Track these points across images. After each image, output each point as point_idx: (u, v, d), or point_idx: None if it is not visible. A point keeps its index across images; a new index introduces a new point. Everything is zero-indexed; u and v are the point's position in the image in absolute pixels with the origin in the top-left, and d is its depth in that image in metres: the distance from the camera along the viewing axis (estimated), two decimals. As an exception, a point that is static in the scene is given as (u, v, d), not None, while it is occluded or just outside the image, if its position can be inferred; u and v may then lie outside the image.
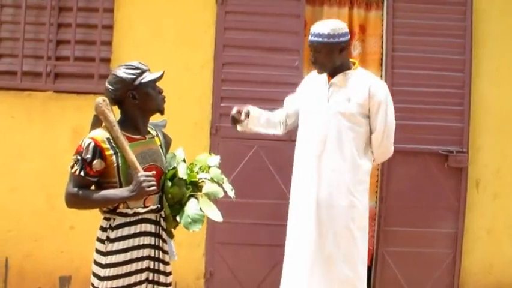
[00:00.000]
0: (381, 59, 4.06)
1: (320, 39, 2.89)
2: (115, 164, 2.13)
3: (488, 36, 4.01)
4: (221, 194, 2.27)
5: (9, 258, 3.87)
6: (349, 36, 3.00)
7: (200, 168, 2.31)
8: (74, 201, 2.13)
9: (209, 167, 2.33)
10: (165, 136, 2.42)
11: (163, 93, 2.29)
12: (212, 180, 2.28)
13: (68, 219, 3.81)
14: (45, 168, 3.87)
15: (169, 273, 2.29)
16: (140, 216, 2.18)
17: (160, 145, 2.33)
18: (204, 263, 3.91)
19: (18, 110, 3.92)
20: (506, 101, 4.03)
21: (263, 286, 3.87)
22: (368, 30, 4.19)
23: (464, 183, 3.93)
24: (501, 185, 4.01)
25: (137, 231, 2.18)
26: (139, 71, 2.22)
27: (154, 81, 2.24)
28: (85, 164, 2.10)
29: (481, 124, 3.99)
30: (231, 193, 2.32)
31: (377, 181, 4.02)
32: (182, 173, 2.25)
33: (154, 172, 2.16)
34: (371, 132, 3.03)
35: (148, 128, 2.32)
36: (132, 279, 2.16)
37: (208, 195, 2.24)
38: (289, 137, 3.44)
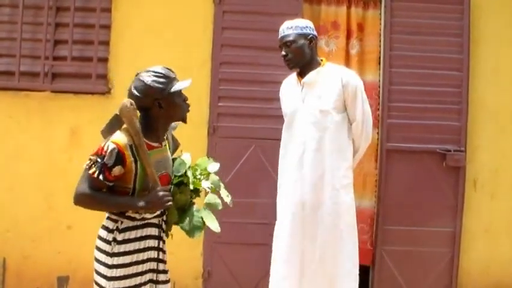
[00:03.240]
0: (379, 58, 4.06)
1: (290, 31, 3.00)
2: (134, 172, 2.12)
3: (486, 35, 4.00)
4: (220, 207, 2.33)
5: (7, 258, 3.86)
6: (316, 33, 3.08)
7: (200, 174, 2.34)
8: (86, 201, 2.11)
9: (209, 173, 2.35)
10: (174, 140, 2.43)
11: (187, 101, 2.28)
12: (213, 189, 2.33)
13: (65, 219, 3.81)
14: (43, 168, 3.87)
15: (167, 271, 2.33)
16: (146, 221, 2.21)
17: (169, 148, 2.34)
18: (202, 262, 3.91)
19: (16, 110, 3.91)
20: (504, 100, 4.02)
21: (261, 285, 3.86)
22: (366, 28, 4.19)
23: (462, 182, 3.92)
24: (499, 184, 4.01)
25: (143, 234, 2.21)
26: (168, 80, 2.20)
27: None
28: (105, 168, 2.07)
29: (478, 123, 3.99)
30: (227, 199, 2.35)
31: (375, 180, 4.02)
32: (191, 182, 2.28)
33: (171, 187, 2.21)
34: (350, 124, 3.03)
35: None
36: (138, 280, 2.19)
37: (210, 206, 2.31)
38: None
